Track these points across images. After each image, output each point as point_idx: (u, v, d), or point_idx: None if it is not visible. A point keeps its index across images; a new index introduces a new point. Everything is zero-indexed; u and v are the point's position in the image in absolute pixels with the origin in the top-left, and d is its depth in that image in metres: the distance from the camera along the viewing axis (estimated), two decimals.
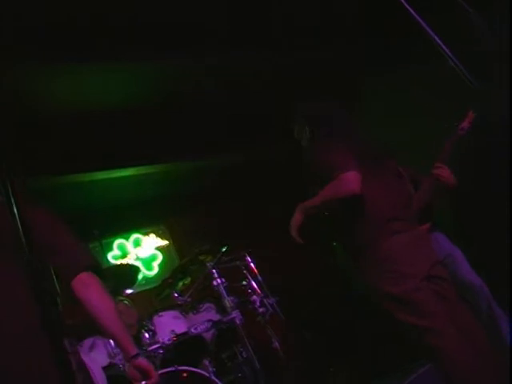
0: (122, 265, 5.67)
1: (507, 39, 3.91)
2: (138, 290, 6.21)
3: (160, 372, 3.51)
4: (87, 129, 5.32)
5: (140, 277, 6.28)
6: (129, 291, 5.80)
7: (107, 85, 5.11)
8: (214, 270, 4.11)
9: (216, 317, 4.11)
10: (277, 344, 4.37)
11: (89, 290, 2.16)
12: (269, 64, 5.45)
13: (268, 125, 5.95)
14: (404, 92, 5.48)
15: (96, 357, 3.72)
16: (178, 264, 4.86)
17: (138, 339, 3.92)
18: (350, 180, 2.79)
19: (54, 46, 4.25)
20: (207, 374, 3.67)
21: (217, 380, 3.66)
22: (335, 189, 2.87)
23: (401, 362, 4.68)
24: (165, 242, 6.80)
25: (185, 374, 3.64)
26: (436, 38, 2.14)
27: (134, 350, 2.21)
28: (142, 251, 6.66)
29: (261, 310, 4.27)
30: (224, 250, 4.24)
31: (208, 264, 4.15)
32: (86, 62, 4.63)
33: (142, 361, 2.22)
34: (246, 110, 5.89)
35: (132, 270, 4.54)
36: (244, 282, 4.44)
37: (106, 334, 2.22)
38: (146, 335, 3.91)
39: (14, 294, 1.84)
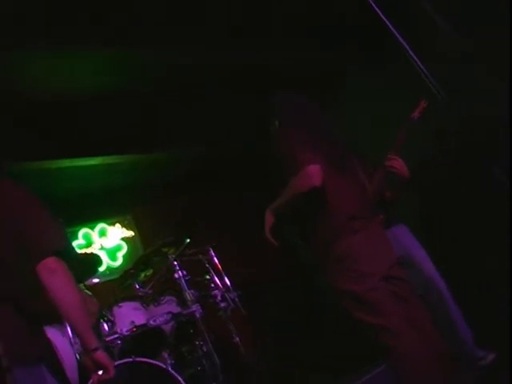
0: (83, 254, 5.60)
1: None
2: (102, 280, 6.17)
3: (117, 363, 3.49)
4: (56, 116, 5.25)
5: (104, 267, 6.25)
6: (94, 281, 5.78)
7: (77, 72, 5.04)
8: (175, 263, 4.10)
9: (176, 309, 4.09)
10: (237, 339, 4.38)
11: (54, 277, 2.11)
12: (247, 59, 5.43)
13: (239, 118, 5.95)
14: (381, 91, 5.51)
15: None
16: (140, 256, 4.83)
17: (96, 329, 3.89)
18: (311, 174, 2.81)
19: (24, 32, 4.18)
20: (164, 366, 3.65)
21: (174, 372, 3.64)
22: (296, 184, 2.88)
23: (357, 363, 4.71)
24: (130, 233, 6.76)
25: (143, 365, 3.63)
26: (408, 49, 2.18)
27: (94, 343, 2.18)
28: (107, 241, 6.61)
29: (222, 304, 4.27)
30: (187, 242, 4.23)
31: (170, 256, 4.14)
32: (55, 48, 4.57)
33: (101, 355, 2.19)
34: (217, 102, 5.87)
35: (93, 260, 4.49)
36: (207, 277, 4.43)
37: (68, 322, 2.18)
38: (105, 325, 3.88)
39: None
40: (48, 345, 2.74)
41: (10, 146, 4.92)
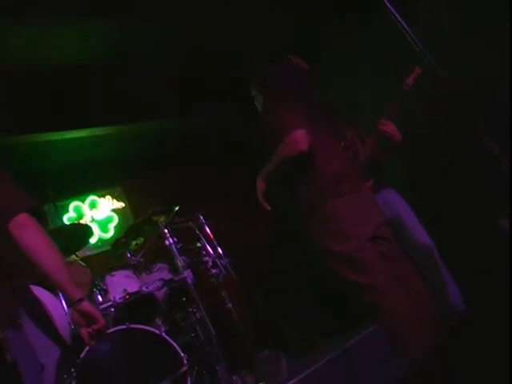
0: (73, 224, 5.60)
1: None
2: (94, 252, 6.19)
3: (111, 330, 3.53)
4: (42, 88, 5.22)
5: (96, 239, 6.28)
6: (86, 253, 5.81)
7: (63, 41, 5.00)
8: (165, 230, 4.13)
9: (168, 276, 4.12)
10: (230, 305, 4.42)
11: (27, 231, 2.11)
12: (228, 25, 5.39)
13: (228, 89, 5.93)
14: (364, 53, 5.49)
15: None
16: (131, 224, 4.84)
17: (90, 299, 3.92)
18: (297, 139, 2.82)
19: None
20: (158, 332, 3.70)
21: (168, 338, 3.69)
22: (284, 150, 2.90)
23: (349, 324, 4.78)
24: (121, 204, 6.75)
25: (137, 332, 3.66)
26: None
27: (77, 294, 2.17)
28: (98, 213, 6.61)
29: (214, 271, 4.30)
30: (176, 210, 4.25)
31: (161, 224, 4.16)
32: (40, 16, 4.52)
33: (86, 304, 2.19)
34: (205, 73, 5.84)
35: (84, 230, 4.50)
36: (198, 244, 4.46)
37: (47, 277, 2.16)
38: (98, 294, 3.92)
39: None
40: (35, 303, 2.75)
41: None
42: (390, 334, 2.83)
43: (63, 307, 3.37)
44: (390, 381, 3.11)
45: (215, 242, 4.41)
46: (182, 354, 3.61)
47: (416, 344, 2.70)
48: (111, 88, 5.61)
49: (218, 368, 3.98)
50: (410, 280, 2.90)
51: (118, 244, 4.40)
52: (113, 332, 3.53)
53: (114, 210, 6.72)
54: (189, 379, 3.54)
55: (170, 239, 4.09)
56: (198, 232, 4.36)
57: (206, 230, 4.46)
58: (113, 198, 6.78)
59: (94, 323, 2.18)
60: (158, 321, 4.08)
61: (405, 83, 3.33)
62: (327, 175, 2.94)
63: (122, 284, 3.95)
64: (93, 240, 5.86)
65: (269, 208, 3.05)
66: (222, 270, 4.24)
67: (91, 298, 3.93)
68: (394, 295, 2.76)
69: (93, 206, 6.64)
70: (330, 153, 3.04)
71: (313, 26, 5.68)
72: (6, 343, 1.67)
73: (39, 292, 3.20)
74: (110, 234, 6.59)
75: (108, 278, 4.00)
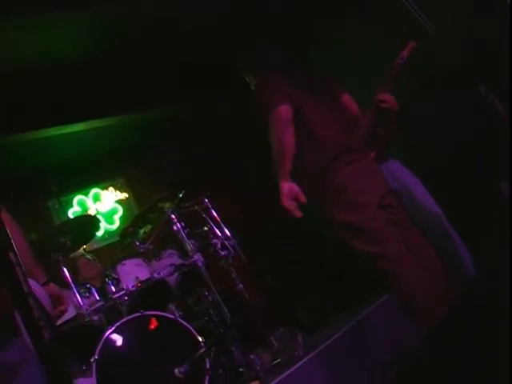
0: (79, 217, 5.61)
1: None
2: (102, 244, 6.22)
3: (126, 319, 3.56)
4: (35, 84, 5.21)
5: (102, 231, 6.30)
6: (94, 246, 5.83)
7: (53, 36, 4.98)
8: (173, 215, 4.14)
9: (178, 261, 4.14)
10: (241, 286, 4.44)
11: None
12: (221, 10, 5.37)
13: (224, 74, 5.92)
14: (357, 33, 5.47)
15: None
16: (137, 213, 4.85)
17: (103, 290, 3.95)
18: (279, 115, 2.85)
19: None
20: (173, 317, 3.72)
21: (184, 321, 3.72)
22: (274, 136, 2.91)
23: (360, 296, 4.81)
24: (124, 195, 6.78)
25: (152, 319, 3.69)
26: None
27: (42, 278, 2.23)
28: (102, 206, 6.64)
29: (223, 253, 4.31)
30: (181, 195, 4.26)
31: (167, 210, 4.17)
32: (30, 14, 4.50)
33: (52, 286, 2.25)
34: (199, 59, 5.84)
35: (90, 222, 4.49)
36: (205, 228, 4.47)
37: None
38: (111, 284, 3.93)
39: None
40: None
41: None
42: (403, 301, 2.85)
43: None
44: (405, 350, 3.16)
45: (222, 224, 4.42)
46: (199, 337, 3.64)
47: (429, 310, 2.71)
48: (106, 79, 5.61)
49: (233, 349, 4.01)
50: (421, 247, 2.91)
51: (125, 234, 4.41)
52: (128, 320, 3.55)
53: (117, 201, 6.75)
54: (207, 361, 3.56)
55: (178, 224, 4.10)
56: (204, 215, 4.37)
57: (212, 212, 4.47)
58: (116, 189, 6.80)
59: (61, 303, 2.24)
60: (172, 306, 4.12)
61: (399, 57, 3.30)
62: (332, 145, 2.95)
63: (133, 272, 3.97)
64: (99, 233, 5.87)
65: (297, 214, 2.90)
66: (231, 250, 4.26)
67: (104, 288, 3.95)
68: (406, 262, 2.78)
69: (96, 198, 6.67)
70: (330, 123, 3.04)
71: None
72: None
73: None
74: (116, 225, 6.63)
75: (119, 268, 4.02)
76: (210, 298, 4.34)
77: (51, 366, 0.80)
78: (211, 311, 4.32)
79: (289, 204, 2.89)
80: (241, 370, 3.92)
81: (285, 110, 2.84)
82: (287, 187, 2.91)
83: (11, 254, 0.81)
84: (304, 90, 2.95)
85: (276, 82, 2.99)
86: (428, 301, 2.73)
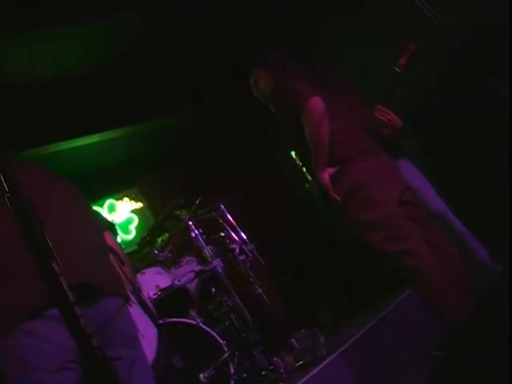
0: None
1: None
2: None
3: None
4: (43, 100, 5.25)
5: (119, 241, 6.32)
6: None
7: (60, 51, 5.02)
8: (190, 222, 4.16)
9: (198, 268, 4.16)
10: (260, 290, 4.46)
11: None
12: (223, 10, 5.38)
13: (227, 76, 5.95)
14: (362, 32, 5.46)
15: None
16: (153, 222, 4.89)
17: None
18: (314, 106, 2.83)
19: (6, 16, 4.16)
20: (195, 323, 3.74)
21: (206, 327, 3.74)
22: (310, 127, 2.88)
23: (381, 294, 4.81)
24: (139, 205, 6.81)
25: (175, 326, 3.71)
26: None
27: None
28: (118, 216, 6.66)
29: (241, 257, 4.34)
30: (198, 202, 4.28)
31: (184, 217, 4.20)
32: (33, 30, 4.54)
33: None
34: (203, 63, 5.86)
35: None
36: (221, 234, 4.50)
37: None
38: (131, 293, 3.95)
39: None
40: None
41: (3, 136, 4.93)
42: (426, 297, 2.85)
43: None
44: (427, 346, 3.16)
45: (239, 229, 4.45)
46: (222, 342, 3.66)
47: (451, 307, 2.72)
48: (116, 91, 5.63)
49: (256, 352, 4.03)
50: (440, 243, 2.92)
51: (143, 243, 4.45)
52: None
53: (133, 211, 6.77)
54: (231, 365, 3.59)
55: (196, 231, 4.13)
56: (221, 221, 4.40)
57: (228, 218, 4.50)
58: (130, 199, 6.82)
59: None
60: (193, 313, 4.13)
61: (397, 66, 3.25)
62: (348, 142, 2.96)
63: (153, 280, 4.00)
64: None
65: (339, 199, 2.94)
66: (249, 255, 4.28)
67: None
68: (427, 259, 2.78)
69: (111, 209, 6.69)
70: (347, 119, 3.06)
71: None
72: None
73: None
74: (132, 235, 6.64)
75: (139, 277, 4.04)
76: (229, 303, 4.36)
77: (99, 371, 0.82)
78: (232, 316, 4.34)
79: (333, 194, 2.93)
80: (263, 373, 3.94)
81: (318, 101, 2.83)
82: (327, 177, 2.94)
83: (54, 264, 0.83)
84: (321, 87, 2.95)
85: (300, 76, 3.00)
86: (449, 297, 2.73)
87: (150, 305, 3.64)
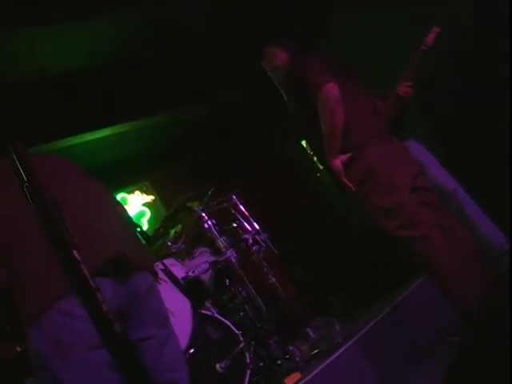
0: None
1: None
2: None
3: None
4: (53, 94, 5.26)
5: None
6: None
7: (69, 45, 5.03)
8: (203, 214, 4.17)
9: (211, 259, 4.17)
10: (273, 280, 4.46)
11: None
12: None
13: (238, 68, 5.94)
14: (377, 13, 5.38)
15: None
16: (166, 214, 4.89)
17: None
18: (329, 92, 2.83)
19: (8, 11, 4.17)
20: (211, 314, 3.75)
21: (222, 318, 3.75)
22: (325, 112, 2.88)
23: (395, 282, 4.80)
24: (151, 198, 6.82)
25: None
26: None
27: None
28: (130, 209, 6.68)
29: (254, 248, 4.34)
30: (210, 192, 4.28)
31: (196, 209, 4.20)
32: (42, 25, 4.55)
33: None
34: (214, 57, 5.85)
35: None
36: (234, 224, 4.51)
37: None
38: None
39: None
40: None
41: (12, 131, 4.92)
42: (441, 283, 2.84)
43: None
44: (443, 332, 3.15)
45: (251, 219, 4.44)
46: (237, 332, 3.67)
47: (466, 292, 2.71)
48: (125, 84, 5.63)
49: (270, 342, 4.03)
50: (452, 226, 2.91)
51: (156, 236, 4.45)
52: None
53: (144, 204, 6.78)
54: (247, 355, 3.59)
55: (209, 222, 4.14)
56: (233, 212, 4.40)
57: (240, 208, 4.50)
58: (142, 192, 6.83)
59: None
60: (207, 303, 4.14)
61: (423, 43, 3.26)
62: (361, 128, 2.96)
63: None
64: None
65: (353, 187, 2.94)
66: (262, 245, 4.28)
67: None
68: (440, 243, 2.77)
69: (124, 203, 6.70)
70: (360, 106, 3.05)
71: None
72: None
73: None
74: (145, 228, 6.65)
75: None
76: (243, 294, 4.36)
77: (122, 358, 0.82)
78: (246, 306, 4.34)
79: (346, 180, 2.93)
80: (279, 362, 3.94)
81: (334, 88, 2.83)
82: (340, 164, 2.93)
83: (75, 252, 0.83)
84: (336, 75, 2.94)
85: (317, 62, 2.99)
86: (464, 282, 2.72)
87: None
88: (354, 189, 2.92)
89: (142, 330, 1.75)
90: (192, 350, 3.50)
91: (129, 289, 1.80)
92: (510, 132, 3.68)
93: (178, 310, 3.30)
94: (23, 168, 0.89)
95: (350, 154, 2.93)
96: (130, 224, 2.16)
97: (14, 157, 0.90)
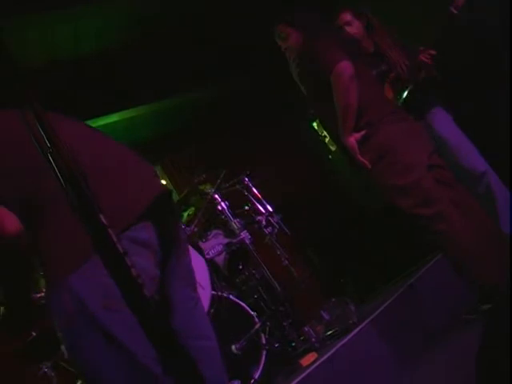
0: None
1: None
2: None
3: None
4: (63, 79, 5.26)
5: None
6: None
7: (77, 32, 5.02)
8: (216, 196, 4.16)
9: (225, 241, 4.16)
10: (287, 262, 4.45)
11: None
12: None
13: (248, 51, 5.91)
14: None
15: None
16: (178, 198, 4.88)
17: None
18: (342, 69, 2.81)
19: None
20: (226, 295, 3.76)
21: (237, 300, 3.75)
22: (339, 90, 2.86)
23: (408, 263, 4.79)
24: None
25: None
26: None
27: None
28: None
29: (267, 230, 4.33)
30: (222, 175, 4.27)
31: (209, 191, 4.19)
32: (54, 9, 4.54)
33: None
34: (224, 39, 5.82)
35: None
36: (246, 207, 4.50)
37: None
38: None
39: None
40: None
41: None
42: (457, 261, 2.83)
43: None
44: (458, 311, 3.14)
45: (264, 201, 4.43)
46: (252, 313, 3.67)
47: (483, 269, 2.70)
48: (135, 69, 5.62)
49: (285, 324, 4.03)
50: (468, 203, 2.89)
51: None
52: None
53: None
54: (262, 336, 3.60)
55: (223, 204, 4.13)
56: (246, 193, 4.39)
57: (253, 190, 4.48)
58: None
59: None
60: (222, 286, 4.14)
61: (453, 6, 3.15)
62: (374, 105, 2.94)
63: None
64: None
65: (369, 165, 2.92)
66: (276, 226, 4.27)
67: None
68: (456, 220, 2.76)
69: None
70: (372, 83, 3.04)
71: None
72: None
73: None
74: None
75: None
76: (257, 276, 4.36)
77: (153, 325, 0.81)
78: (260, 289, 4.34)
79: (361, 158, 2.91)
80: (293, 344, 3.94)
81: (348, 65, 2.81)
82: (355, 142, 2.92)
83: (102, 216, 0.81)
84: (350, 54, 2.92)
85: (331, 41, 2.97)
86: (484, 258, 2.71)
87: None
88: (369, 167, 2.90)
89: (178, 288, 1.69)
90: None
91: (171, 233, 1.73)
92: None
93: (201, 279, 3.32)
94: (45, 132, 0.86)
95: (364, 132, 2.90)
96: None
97: (36, 121, 0.87)
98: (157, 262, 1.61)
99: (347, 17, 3.63)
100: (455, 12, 3.15)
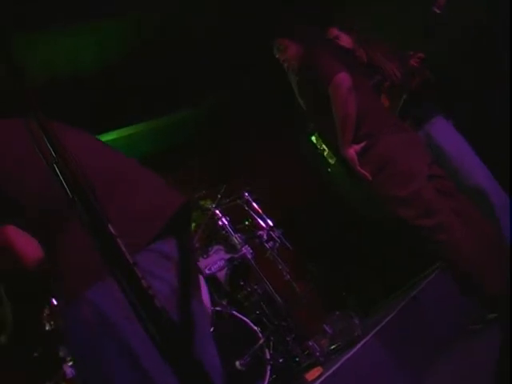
0: None
1: None
2: None
3: None
4: (63, 97, 5.26)
5: None
6: None
7: (77, 48, 5.02)
8: (217, 211, 4.15)
9: (227, 256, 4.15)
10: (288, 276, 4.44)
11: None
12: None
13: (248, 64, 5.93)
14: None
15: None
16: None
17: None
18: (340, 81, 2.82)
19: (21, 14, 4.17)
20: (229, 311, 3.73)
21: (240, 315, 3.73)
22: (337, 102, 2.87)
23: (411, 275, 4.78)
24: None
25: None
26: None
27: None
28: None
29: (269, 244, 4.32)
30: (222, 190, 4.27)
31: (210, 206, 4.18)
32: (53, 26, 4.55)
33: None
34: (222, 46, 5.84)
35: None
36: (246, 222, 4.49)
37: None
38: None
39: None
40: None
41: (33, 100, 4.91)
42: (460, 272, 2.81)
43: None
44: (462, 322, 3.13)
45: (265, 216, 4.42)
46: (256, 328, 3.65)
47: (487, 279, 2.69)
48: (132, 86, 5.62)
49: (288, 339, 4.00)
50: (470, 213, 2.88)
51: None
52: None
53: None
54: (267, 352, 3.57)
55: (223, 219, 4.12)
56: (246, 208, 4.38)
57: (253, 205, 4.47)
58: None
59: None
60: (224, 303, 4.12)
61: (436, 4, 3.17)
62: (373, 117, 2.94)
63: None
64: None
65: (369, 177, 2.91)
66: (277, 241, 4.25)
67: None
68: (457, 230, 2.75)
69: None
70: (370, 96, 3.05)
71: None
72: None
73: None
74: None
75: None
76: (259, 291, 4.33)
77: (164, 336, 0.79)
78: (262, 304, 4.31)
79: (361, 169, 2.91)
80: (297, 359, 3.91)
81: (346, 76, 2.82)
82: (354, 153, 2.92)
83: (110, 226, 0.81)
84: (348, 65, 2.93)
85: (329, 53, 2.99)
86: (486, 267, 2.70)
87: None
88: (370, 178, 2.89)
89: (194, 302, 1.59)
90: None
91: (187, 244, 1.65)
92: None
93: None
94: (50, 142, 0.85)
95: (363, 144, 2.91)
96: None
97: (40, 131, 0.86)
98: (177, 273, 1.58)
99: (334, 31, 3.67)
100: (438, 12, 3.18)
